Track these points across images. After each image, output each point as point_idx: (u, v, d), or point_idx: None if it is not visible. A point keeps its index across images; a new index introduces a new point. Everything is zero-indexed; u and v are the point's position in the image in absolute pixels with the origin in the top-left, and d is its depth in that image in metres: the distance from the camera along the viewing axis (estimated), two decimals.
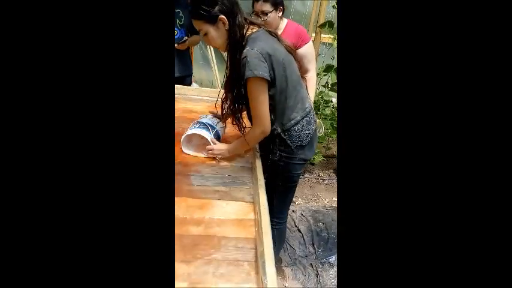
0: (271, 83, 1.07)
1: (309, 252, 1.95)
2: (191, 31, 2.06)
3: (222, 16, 1.03)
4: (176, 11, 1.90)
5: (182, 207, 0.96)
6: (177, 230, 0.85)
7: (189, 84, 2.22)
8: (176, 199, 0.99)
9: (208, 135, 1.23)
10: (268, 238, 0.80)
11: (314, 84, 1.81)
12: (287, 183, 1.30)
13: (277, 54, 1.06)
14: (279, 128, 1.17)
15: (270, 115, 1.11)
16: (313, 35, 2.63)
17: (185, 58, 2.17)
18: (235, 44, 1.06)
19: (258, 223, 0.89)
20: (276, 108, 1.13)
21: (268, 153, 1.23)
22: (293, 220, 2.17)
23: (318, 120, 2.20)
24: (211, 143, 1.22)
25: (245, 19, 1.09)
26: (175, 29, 1.92)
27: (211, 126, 1.27)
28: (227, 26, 1.05)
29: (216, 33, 1.06)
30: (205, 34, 1.07)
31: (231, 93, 1.14)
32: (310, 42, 1.71)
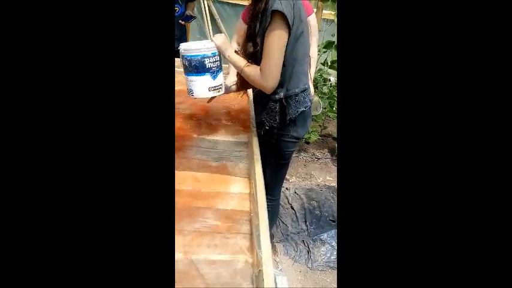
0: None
1: (301, 229, 1.97)
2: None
3: None
4: None
5: (177, 180, 0.94)
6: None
7: None
8: None
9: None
10: (264, 212, 0.80)
11: (315, 60, 1.75)
12: (279, 160, 1.28)
13: (302, 12, 1.00)
14: (282, 93, 1.09)
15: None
16: (315, 10, 2.57)
17: (182, 32, 2.15)
18: None
19: (253, 197, 0.89)
20: (286, 70, 1.05)
21: (263, 122, 1.18)
22: (286, 197, 2.19)
23: (316, 98, 2.18)
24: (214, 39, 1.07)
25: None
26: (177, 5, 1.88)
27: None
28: None
29: None
30: None
31: (250, 45, 1.05)
32: (314, 15, 1.65)
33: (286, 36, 0.98)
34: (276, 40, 0.97)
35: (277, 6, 0.93)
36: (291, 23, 0.96)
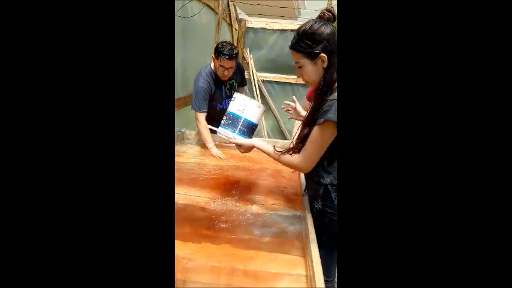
0: None
1: None
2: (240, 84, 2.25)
3: (323, 55, 1.02)
4: (231, 82, 2.08)
5: (228, 256, 0.94)
6: (226, 281, 0.85)
7: None
8: (222, 246, 1.00)
9: (231, 134, 1.28)
10: None
11: None
12: (332, 240, 1.23)
13: None
14: (328, 180, 1.13)
15: (328, 165, 1.11)
16: None
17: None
18: (329, 84, 1.05)
19: (311, 279, 0.85)
20: (335, 161, 1.11)
21: (313, 204, 1.20)
22: None
23: None
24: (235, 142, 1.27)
25: None
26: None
27: (237, 117, 1.29)
28: (325, 65, 1.04)
29: (312, 69, 1.06)
30: (300, 67, 1.08)
31: (308, 129, 1.11)
32: None
33: (333, 137, 1.03)
34: (324, 139, 1.04)
35: (331, 116, 0.97)
36: None
